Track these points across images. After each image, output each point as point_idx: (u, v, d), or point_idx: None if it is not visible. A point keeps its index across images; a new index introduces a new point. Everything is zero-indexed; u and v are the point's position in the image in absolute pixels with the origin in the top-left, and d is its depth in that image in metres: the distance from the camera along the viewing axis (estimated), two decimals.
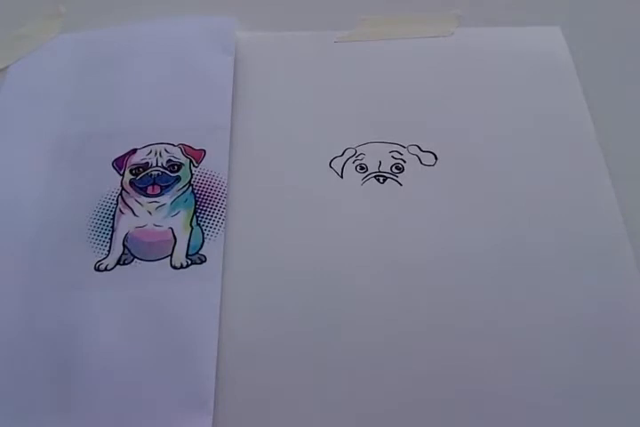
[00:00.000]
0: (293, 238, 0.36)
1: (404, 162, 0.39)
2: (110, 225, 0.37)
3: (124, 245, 0.36)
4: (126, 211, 0.38)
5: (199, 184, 0.39)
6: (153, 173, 0.39)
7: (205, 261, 0.36)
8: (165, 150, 0.40)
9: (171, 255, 0.36)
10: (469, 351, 0.32)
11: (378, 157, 0.39)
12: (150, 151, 0.40)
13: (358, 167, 0.39)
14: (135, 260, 0.36)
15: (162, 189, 0.39)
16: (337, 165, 0.39)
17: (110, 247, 0.36)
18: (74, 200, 0.38)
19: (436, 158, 0.39)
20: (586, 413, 0.30)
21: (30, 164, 0.40)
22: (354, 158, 0.39)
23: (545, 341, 0.32)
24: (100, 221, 0.37)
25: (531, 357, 0.32)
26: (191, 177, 0.39)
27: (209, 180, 0.39)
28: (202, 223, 0.37)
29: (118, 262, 0.36)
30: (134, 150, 0.40)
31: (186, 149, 0.40)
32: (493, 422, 0.30)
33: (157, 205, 0.38)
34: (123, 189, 0.39)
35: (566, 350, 0.32)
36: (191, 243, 0.36)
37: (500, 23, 0.46)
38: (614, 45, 0.40)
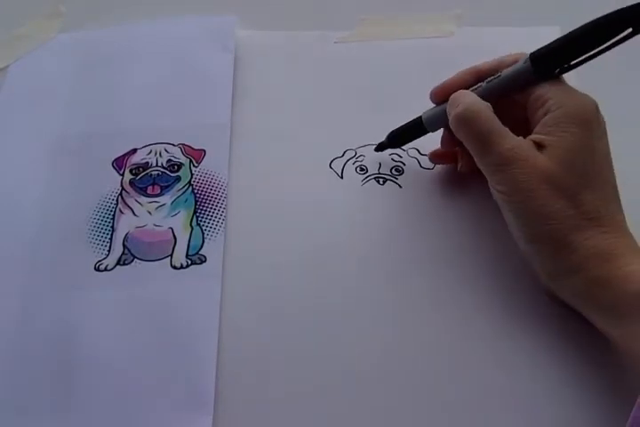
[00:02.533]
0: (293, 238, 0.36)
1: (404, 164, 0.39)
2: (110, 225, 0.37)
3: (124, 246, 0.36)
4: (126, 211, 0.38)
5: (199, 184, 0.39)
6: (153, 172, 0.39)
7: (205, 261, 0.36)
8: (165, 150, 0.40)
9: (171, 255, 0.36)
10: (471, 352, 0.32)
11: (378, 159, 0.39)
12: (150, 151, 0.40)
13: (358, 169, 0.39)
14: (135, 260, 0.36)
15: (162, 189, 0.39)
16: (337, 165, 0.39)
17: (110, 247, 0.36)
18: (74, 200, 0.38)
19: None
20: None
21: (30, 164, 0.40)
22: (354, 160, 0.39)
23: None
24: (99, 221, 0.37)
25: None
26: (191, 177, 0.39)
27: (209, 180, 0.39)
28: (202, 223, 0.37)
29: (118, 262, 0.36)
30: (134, 150, 0.40)
31: (186, 149, 0.40)
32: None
33: (157, 205, 0.38)
34: (123, 188, 0.39)
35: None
36: (191, 243, 0.36)
37: (501, 23, 0.46)
38: None
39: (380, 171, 0.39)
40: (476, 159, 0.32)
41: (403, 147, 0.39)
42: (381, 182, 0.38)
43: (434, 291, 0.34)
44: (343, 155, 0.40)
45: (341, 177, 0.39)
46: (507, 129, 0.31)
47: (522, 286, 0.34)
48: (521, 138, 0.31)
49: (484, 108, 0.32)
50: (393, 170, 0.39)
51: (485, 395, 0.31)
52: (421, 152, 0.39)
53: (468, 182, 0.38)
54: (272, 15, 0.48)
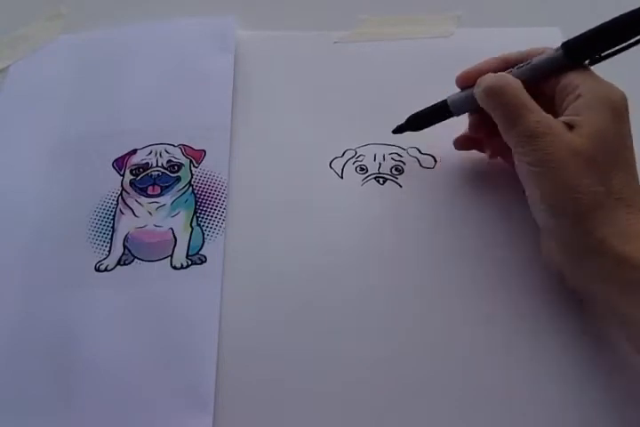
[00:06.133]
0: (293, 238, 0.36)
1: (404, 164, 0.39)
2: (110, 225, 0.37)
3: (124, 246, 0.37)
4: (126, 211, 0.38)
5: (199, 184, 0.39)
6: (153, 173, 0.39)
7: (205, 261, 0.36)
8: (165, 151, 0.40)
9: (171, 256, 0.36)
10: (471, 352, 0.32)
11: (378, 159, 0.39)
12: (150, 152, 0.40)
13: (358, 168, 0.39)
14: (135, 260, 0.36)
15: (162, 190, 0.39)
16: (337, 165, 0.39)
17: (110, 248, 0.36)
18: (74, 201, 0.38)
19: (435, 161, 0.39)
20: None
21: (30, 164, 0.40)
22: (354, 160, 0.39)
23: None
24: (100, 222, 0.38)
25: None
26: (191, 177, 0.39)
27: (209, 180, 0.39)
28: (202, 224, 0.37)
29: (119, 263, 0.36)
30: (134, 151, 0.40)
31: (186, 150, 0.40)
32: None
33: (158, 205, 0.38)
34: (123, 189, 0.39)
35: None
36: (191, 243, 0.36)
37: (500, 24, 0.46)
38: None
39: (380, 170, 0.39)
40: (503, 130, 0.32)
41: (403, 146, 0.39)
42: (381, 182, 0.38)
43: (434, 290, 0.34)
44: (343, 155, 0.40)
45: (341, 177, 0.39)
46: (537, 104, 0.31)
47: (524, 285, 0.34)
48: (550, 116, 0.30)
49: (515, 81, 0.31)
50: (393, 169, 0.39)
51: (486, 395, 0.31)
52: (422, 151, 0.39)
53: (468, 182, 0.38)
54: (272, 15, 0.48)
